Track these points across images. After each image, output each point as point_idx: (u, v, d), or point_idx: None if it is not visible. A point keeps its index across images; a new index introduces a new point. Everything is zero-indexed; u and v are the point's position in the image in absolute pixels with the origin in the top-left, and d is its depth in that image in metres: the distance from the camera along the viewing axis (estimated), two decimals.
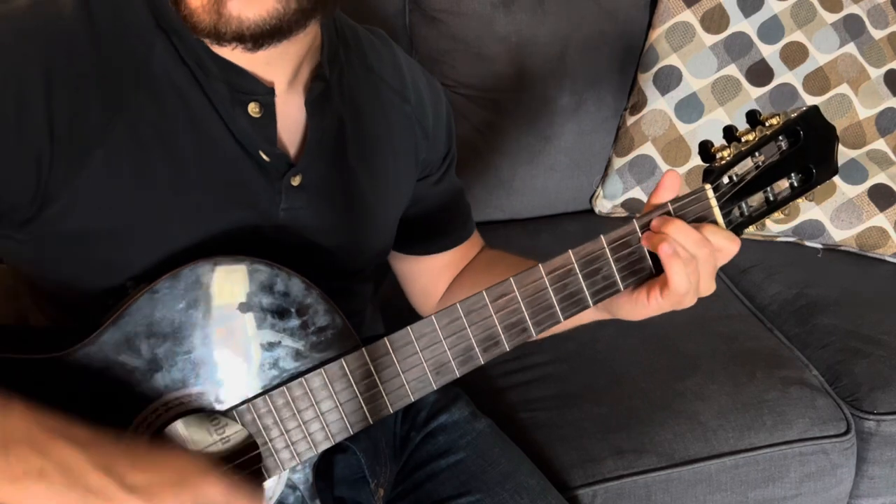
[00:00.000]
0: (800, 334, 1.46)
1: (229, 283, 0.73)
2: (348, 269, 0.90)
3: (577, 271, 0.79)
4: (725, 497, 1.23)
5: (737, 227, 0.82)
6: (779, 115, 0.81)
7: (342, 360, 0.77)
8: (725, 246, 0.79)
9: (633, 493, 1.18)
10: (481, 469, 1.02)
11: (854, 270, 1.61)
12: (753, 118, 0.81)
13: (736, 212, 0.82)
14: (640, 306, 0.82)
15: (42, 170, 0.70)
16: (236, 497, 0.68)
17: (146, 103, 0.73)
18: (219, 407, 0.76)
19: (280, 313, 0.75)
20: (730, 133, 0.81)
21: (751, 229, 0.85)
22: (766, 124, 0.81)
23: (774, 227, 1.63)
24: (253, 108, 0.76)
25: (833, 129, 0.84)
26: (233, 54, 0.74)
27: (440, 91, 0.99)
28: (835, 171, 0.85)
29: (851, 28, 1.65)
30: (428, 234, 1.03)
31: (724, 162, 0.79)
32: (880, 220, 1.60)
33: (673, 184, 0.80)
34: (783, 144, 0.81)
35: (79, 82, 0.71)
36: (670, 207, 0.79)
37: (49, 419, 0.64)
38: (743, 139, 0.80)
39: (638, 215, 0.80)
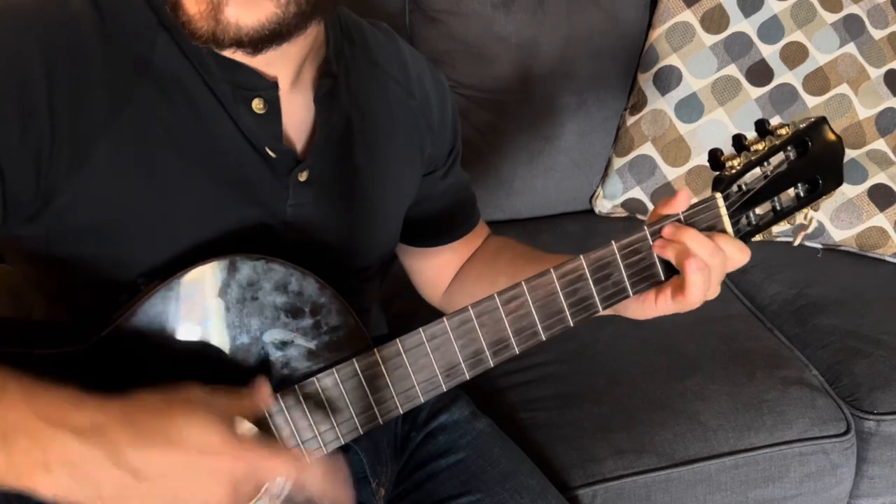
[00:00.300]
0: (800, 334, 1.46)
1: (244, 280, 0.74)
2: (354, 266, 0.90)
3: (588, 276, 0.79)
4: (725, 497, 1.23)
5: (745, 236, 0.83)
6: (787, 125, 0.82)
7: (354, 360, 0.77)
8: (736, 256, 0.81)
9: (633, 493, 1.18)
10: (481, 469, 1.02)
11: (854, 270, 1.62)
12: (762, 127, 0.82)
13: (744, 220, 0.83)
14: (647, 307, 0.83)
15: (42, 164, 0.70)
16: (263, 468, 0.64)
17: (151, 98, 0.73)
18: None
19: (293, 312, 0.75)
20: (739, 142, 0.81)
21: (757, 237, 0.86)
22: (776, 134, 0.82)
23: (775, 227, 1.63)
24: (257, 105, 0.76)
25: (840, 140, 0.85)
26: (233, 54, 0.74)
27: (445, 85, 0.99)
28: (840, 182, 0.86)
29: (851, 28, 1.65)
30: (433, 228, 1.03)
31: (734, 171, 0.80)
32: (880, 220, 1.60)
33: (685, 203, 0.81)
34: (791, 154, 0.82)
35: (83, 74, 0.70)
36: (681, 216, 0.80)
37: (47, 404, 0.61)
38: (752, 148, 0.81)
39: (648, 222, 0.81)
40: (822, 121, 0.84)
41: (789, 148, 0.82)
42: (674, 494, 1.20)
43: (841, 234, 1.62)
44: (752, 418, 1.25)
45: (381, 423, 0.79)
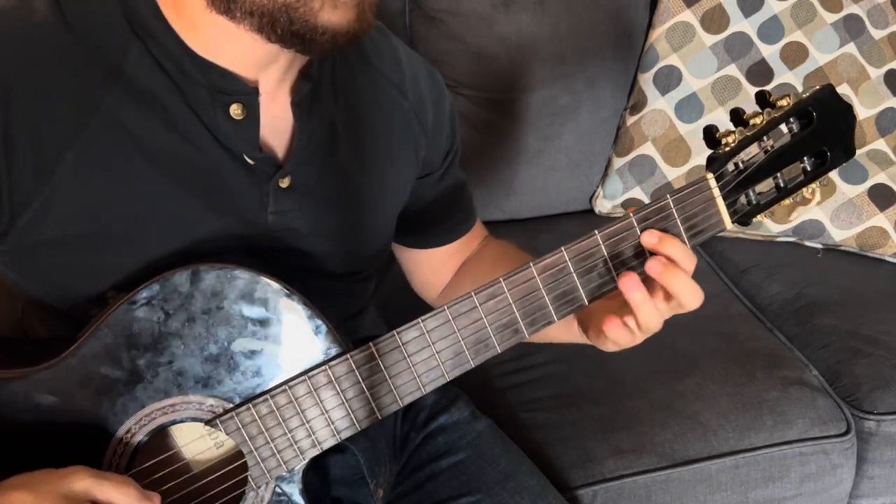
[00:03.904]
0: (800, 334, 1.46)
1: (208, 290, 0.73)
2: (345, 269, 0.89)
3: (571, 269, 0.76)
4: (725, 497, 1.23)
5: (743, 217, 0.78)
6: (789, 95, 0.77)
7: (327, 366, 0.75)
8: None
9: (633, 493, 1.18)
10: (481, 469, 1.01)
11: (854, 270, 1.61)
12: (762, 99, 0.77)
13: (742, 200, 0.77)
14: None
15: (1, 181, 0.70)
16: None
17: (121, 107, 0.72)
18: (203, 416, 0.76)
19: (261, 321, 0.74)
20: (737, 116, 0.76)
21: (752, 231, 0.82)
22: (776, 106, 0.76)
23: (774, 227, 1.63)
24: (235, 110, 0.75)
25: (850, 108, 0.79)
26: (219, 56, 0.74)
27: (442, 86, 0.97)
28: (851, 154, 0.80)
29: (851, 28, 1.65)
30: (428, 229, 1.02)
31: (728, 149, 0.75)
32: (880, 220, 1.60)
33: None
34: (794, 127, 0.77)
35: (45, 89, 0.70)
36: (670, 199, 0.75)
37: None
38: (750, 122, 0.76)
39: (633, 209, 0.77)
40: (827, 88, 0.78)
41: (791, 120, 0.76)
42: (674, 494, 1.20)
43: (841, 234, 1.62)
44: (752, 418, 1.25)
45: (360, 428, 0.78)
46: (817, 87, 0.78)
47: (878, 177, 1.62)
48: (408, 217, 0.97)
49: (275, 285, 0.74)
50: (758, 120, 0.76)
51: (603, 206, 1.70)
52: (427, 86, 0.94)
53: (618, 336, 0.79)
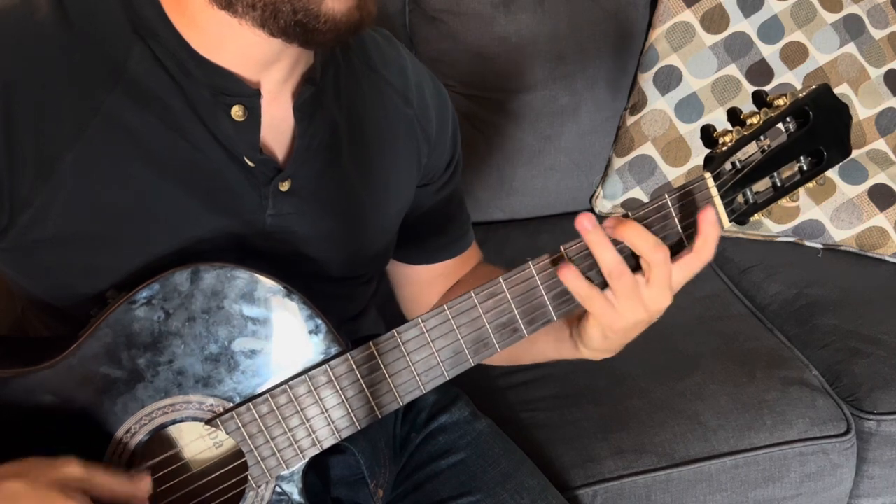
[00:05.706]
0: (800, 334, 1.46)
1: (208, 289, 0.73)
2: (345, 273, 0.89)
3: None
4: (725, 497, 1.23)
5: (741, 216, 0.78)
6: (786, 95, 0.77)
7: (327, 366, 0.76)
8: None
9: (633, 493, 1.18)
10: (481, 469, 1.01)
11: (854, 270, 1.61)
12: (759, 98, 0.77)
13: (740, 199, 0.78)
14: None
15: (2, 179, 0.70)
16: None
17: (121, 107, 0.72)
18: (203, 416, 0.76)
19: (261, 320, 0.74)
20: (734, 115, 0.77)
21: (752, 231, 0.83)
22: (773, 105, 0.77)
23: (774, 227, 1.63)
24: (237, 112, 0.75)
25: (846, 107, 0.79)
26: (222, 56, 0.74)
27: (446, 96, 0.97)
28: (847, 153, 0.81)
29: (851, 28, 1.65)
30: (422, 244, 1.01)
31: (725, 148, 0.75)
32: (880, 220, 1.60)
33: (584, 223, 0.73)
34: (791, 126, 0.77)
35: (46, 90, 0.70)
36: (668, 199, 0.75)
37: None
38: (747, 122, 0.76)
39: (633, 210, 0.76)
40: (823, 88, 0.78)
41: (788, 119, 0.77)
42: (674, 494, 1.20)
43: (841, 234, 1.62)
44: (752, 418, 1.25)
45: (360, 427, 0.78)
46: (813, 87, 0.78)
47: (878, 177, 1.62)
48: (404, 229, 0.96)
49: (275, 285, 0.74)
50: (755, 119, 0.76)
51: (603, 206, 1.70)
52: (432, 95, 0.94)
53: (580, 288, 0.74)
